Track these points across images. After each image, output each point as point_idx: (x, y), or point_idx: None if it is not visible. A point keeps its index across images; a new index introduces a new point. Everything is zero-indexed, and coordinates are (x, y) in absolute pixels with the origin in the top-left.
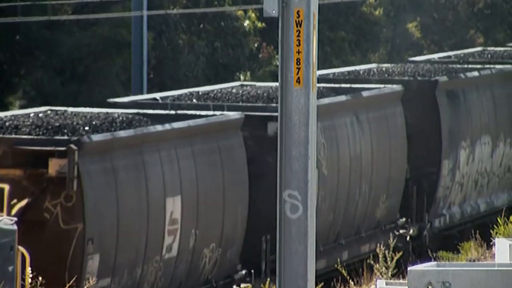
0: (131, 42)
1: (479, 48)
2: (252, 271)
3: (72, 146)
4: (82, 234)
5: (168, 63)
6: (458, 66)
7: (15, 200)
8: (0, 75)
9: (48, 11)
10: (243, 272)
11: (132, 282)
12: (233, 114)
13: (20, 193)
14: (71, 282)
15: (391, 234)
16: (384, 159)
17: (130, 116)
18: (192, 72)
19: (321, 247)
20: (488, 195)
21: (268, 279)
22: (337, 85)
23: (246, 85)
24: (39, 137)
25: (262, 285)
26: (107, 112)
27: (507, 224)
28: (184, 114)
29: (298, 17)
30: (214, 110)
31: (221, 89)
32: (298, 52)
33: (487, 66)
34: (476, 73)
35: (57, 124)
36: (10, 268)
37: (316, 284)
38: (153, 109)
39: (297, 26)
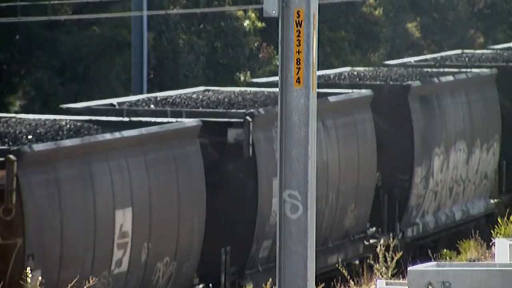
0: (131, 42)
1: (458, 51)
2: (211, 285)
3: (11, 156)
4: (22, 250)
5: (168, 63)
6: (434, 70)
7: None
8: (0, 75)
9: (48, 11)
10: (200, 286)
11: None
12: (190, 121)
13: None
14: (73, 282)
15: (360, 244)
16: (352, 166)
17: (79, 123)
18: (192, 72)
19: None
20: (464, 203)
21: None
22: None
23: (209, 90)
24: None
25: (263, 285)
26: (55, 120)
27: (507, 224)
28: (139, 121)
29: (298, 17)
30: (172, 116)
31: (180, 94)
32: (298, 52)
33: (463, 70)
34: (450, 78)
35: None
36: None
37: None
38: (108, 115)
39: (297, 26)
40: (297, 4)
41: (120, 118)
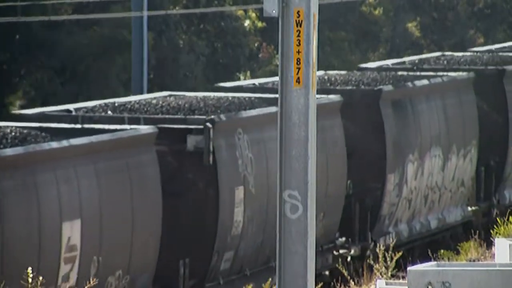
0: (131, 42)
1: (437, 53)
2: None
3: None
4: None
5: (168, 63)
6: (410, 73)
7: None
8: (0, 75)
9: (48, 11)
10: None
11: None
12: (145, 128)
13: None
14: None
15: (329, 255)
16: (320, 174)
17: (26, 131)
18: (192, 72)
19: (248, 272)
20: (440, 211)
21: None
22: (272, 95)
23: (173, 95)
24: None
25: (263, 285)
26: (0, 127)
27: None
28: (91, 129)
29: (298, 17)
30: (129, 123)
31: (139, 100)
32: (298, 52)
33: (440, 73)
34: (425, 81)
35: None
36: None
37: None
38: (63, 122)
39: (297, 26)
40: (297, 4)
41: (72, 125)
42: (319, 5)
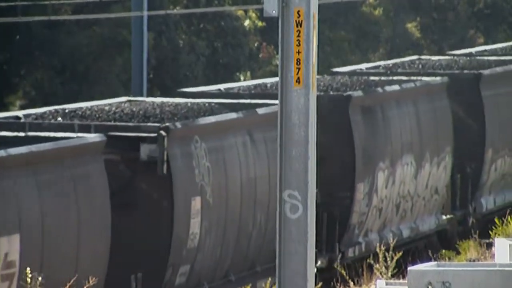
0: (131, 42)
1: (414, 57)
2: None
3: None
4: None
5: (168, 63)
6: (383, 78)
7: None
8: (0, 75)
9: (48, 11)
10: None
11: None
12: (92, 137)
13: None
14: (72, 281)
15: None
16: None
17: None
18: (192, 72)
19: (206, 286)
20: (413, 219)
21: (269, 278)
22: (235, 101)
23: (132, 101)
24: None
25: (263, 285)
26: None
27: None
28: (36, 137)
29: (298, 17)
30: (79, 130)
31: (92, 106)
32: (298, 52)
33: (413, 78)
34: (397, 87)
35: None
36: None
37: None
38: (11, 129)
39: (297, 26)
40: (297, 4)
41: (15, 133)
42: (319, 5)
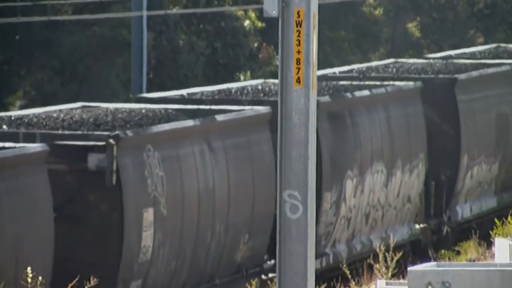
0: (131, 42)
1: (390, 60)
2: None
3: None
4: None
5: (168, 63)
6: (354, 83)
7: None
8: (0, 75)
9: (48, 11)
10: None
11: None
12: (34, 146)
13: None
14: (73, 282)
15: (256, 279)
16: (245, 193)
17: None
18: (192, 72)
19: None
20: (384, 229)
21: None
22: (195, 107)
23: (87, 106)
24: None
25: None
26: None
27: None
28: None
29: (298, 17)
30: (24, 139)
31: (39, 113)
32: (298, 52)
33: (386, 83)
34: (367, 92)
35: None
36: None
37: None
38: None
39: (297, 26)
40: (297, 4)
41: None
42: (319, 5)
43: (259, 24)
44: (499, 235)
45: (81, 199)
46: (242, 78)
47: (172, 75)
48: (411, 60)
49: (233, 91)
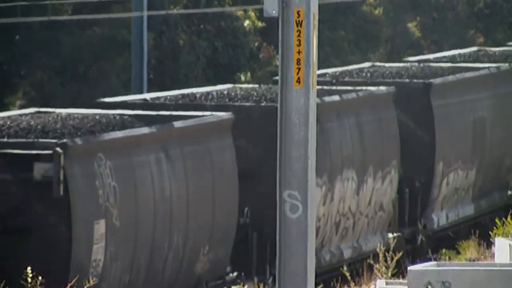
0: (131, 42)
1: (366, 64)
2: None
3: None
4: None
5: (168, 63)
6: (325, 87)
7: None
8: (0, 75)
9: (48, 11)
10: None
11: None
12: None
13: None
14: (73, 282)
15: None
16: (205, 202)
17: None
18: (192, 72)
19: None
20: (355, 238)
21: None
22: (154, 113)
23: (42, 112)
24: None
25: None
26: None
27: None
28: None
29: (298, 17)
30: None
31: None
32: (298, 52)
33: (357, 88)
34: (336, 97)
35: None
36: None
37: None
38: None
39: (297, 26)
40: (297, 4)
41: None
42: (319, 5)
43: (259, 24)
44: (498, 235)
45: (27, 210)
46: (242, 78)
47: (173, 75)
48: (388, 64)
49: (197, 96)
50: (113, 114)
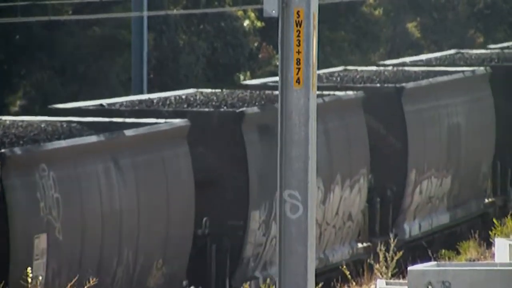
0: (131, 42)
1: (338, 68)
2: None
3: None
4: None
5: (168, 63)
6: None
7: None
8: (0, 75)
9: (48, 11)
10: None
11: None
12: None
13: None
14: (73, 281)
15: None
16: (158, 213)
17: None
18: (192, 72)
19: None
20: (321, 250)
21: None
22: (106, 119)
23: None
24: None
25: (261, 285)
26: None
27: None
28: None
29: (298, 17)
30: None
31: None
32: (298, 52)
33: (326, 92)
34: None
35: None
36: None
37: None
38: None
39: (297, 26)
40: (297, 4)
41: None
42: (319, 5)
43: (259, 24)
44: (499, 235)
45: None
46: (242, 78)
47: (172, 75)
48: (360, 68)
49: (154, 101)
50: (61, 122)
